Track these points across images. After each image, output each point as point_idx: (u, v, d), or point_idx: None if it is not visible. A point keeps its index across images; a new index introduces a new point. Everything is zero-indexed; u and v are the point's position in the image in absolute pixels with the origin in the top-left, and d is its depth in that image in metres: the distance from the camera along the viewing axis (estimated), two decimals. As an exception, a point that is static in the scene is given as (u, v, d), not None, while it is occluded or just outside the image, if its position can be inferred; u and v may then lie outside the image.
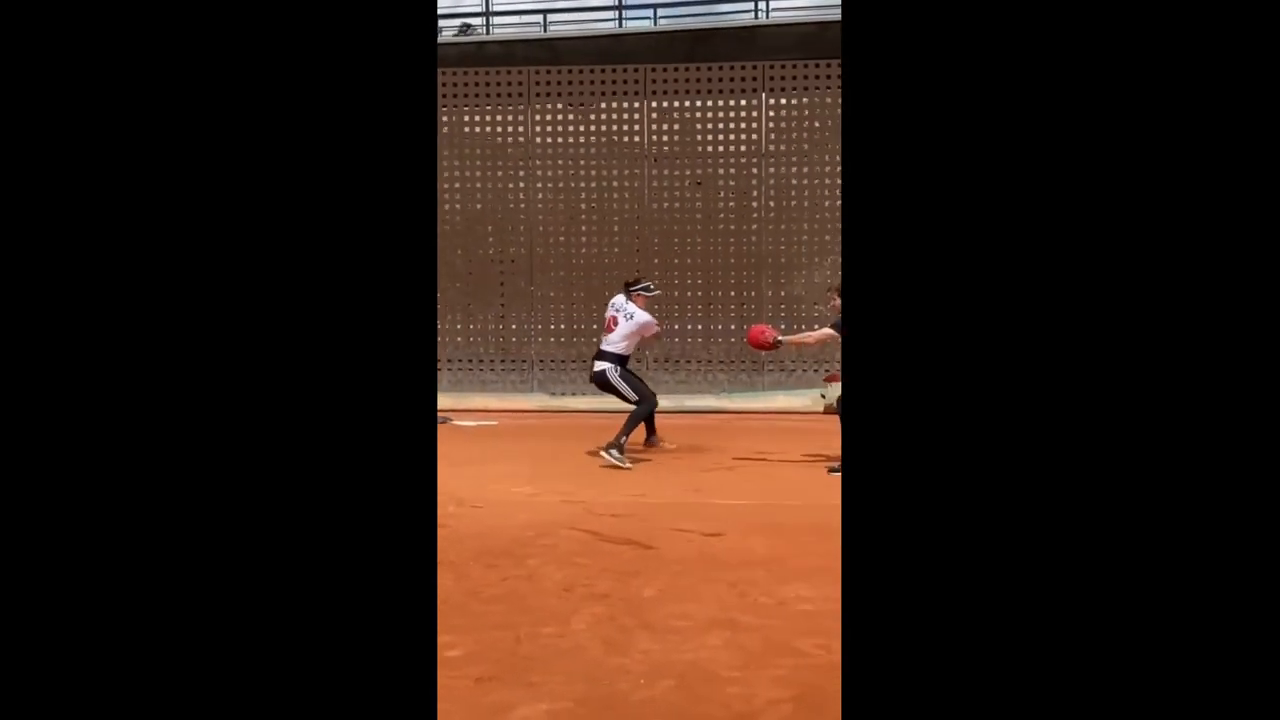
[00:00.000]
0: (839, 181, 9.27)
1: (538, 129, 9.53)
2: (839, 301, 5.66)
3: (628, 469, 5.82)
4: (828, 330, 6.05)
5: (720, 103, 9.35)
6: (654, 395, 6.51)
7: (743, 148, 9.36)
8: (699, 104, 9.39)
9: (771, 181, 9.37)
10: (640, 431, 6.38)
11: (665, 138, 9.49)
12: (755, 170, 9.39)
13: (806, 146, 9.32)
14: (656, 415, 6.61)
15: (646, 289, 6.67)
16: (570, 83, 9.40)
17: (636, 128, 9.48)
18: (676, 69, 9.31)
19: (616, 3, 10.98)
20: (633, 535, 4.11)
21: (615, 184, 9.53)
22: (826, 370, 8.94)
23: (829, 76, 9.13)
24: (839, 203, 9.26)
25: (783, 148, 9.36)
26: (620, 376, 6.33)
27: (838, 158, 9.27)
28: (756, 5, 10.55)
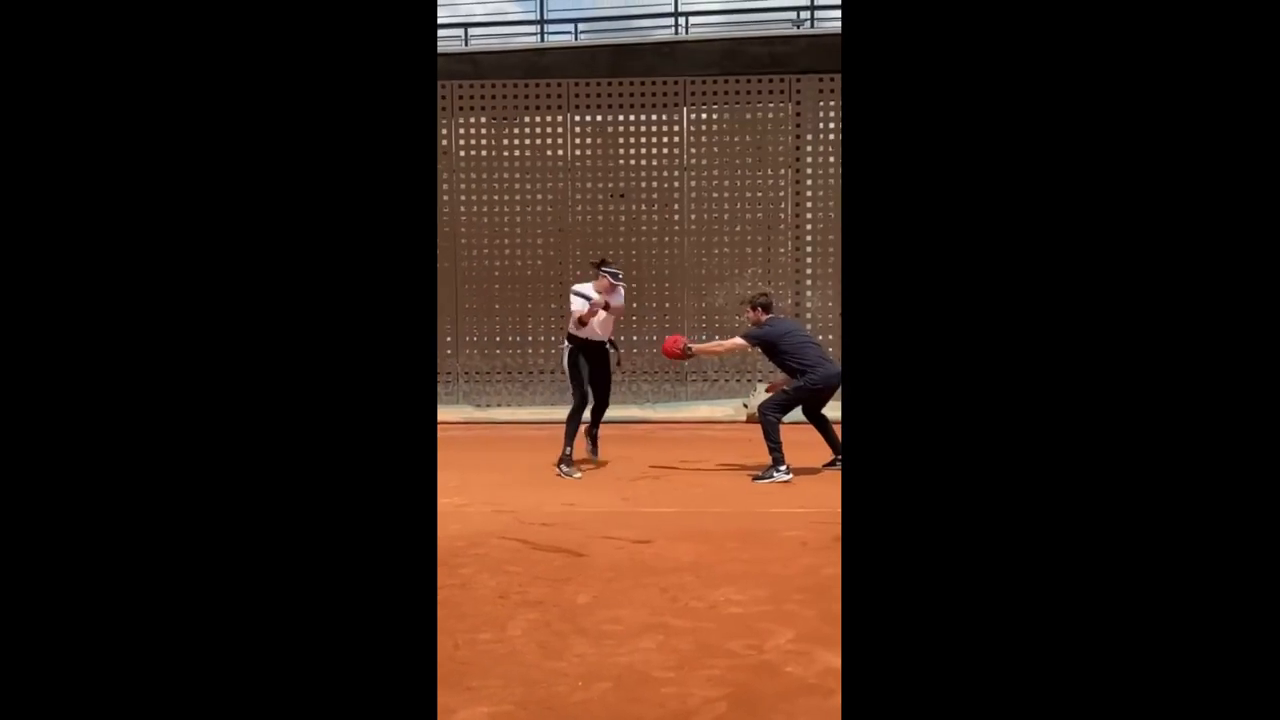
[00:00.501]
0: (759, 194, 9.52)
1: (460, 142, 9.53)
2: (753, 314, 5.89)
3: (577, 478, 5.85)
4: (737, 340, 6.13)
5: (642, 116, 9.50)
6: (585, 394, 6.15)
7: (664, 160, 9.52)
8: (620, 118, 9.53)
9: (693, 194, 9.54)
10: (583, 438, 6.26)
11: (588, 151, 9.59)
12: (677, 183, 9.55)
13: (726, 160, 9.53)
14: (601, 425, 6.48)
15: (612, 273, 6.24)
16: (492, 96, 9.44)
17: (560, 141, 9.57)
18: (598, 83, 9.44)
19: (538, 17, 11.03)
20: (563, 543, 4.16)
21: (538, 196, 9.59)
22: (748, 379, 9.13)
23: (748, 91, 9.35)
24: (760, 214, 9.49)
25: (703, 161, 9.55)
26: (566, 361, 6.24)
27: (758, 171, 9.51)
28: (676, 21, 10.73)
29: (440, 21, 11.27)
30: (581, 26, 11.00)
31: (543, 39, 10.96)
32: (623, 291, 6.29)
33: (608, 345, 6.23)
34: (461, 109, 9.45)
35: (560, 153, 9.57)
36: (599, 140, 9.57)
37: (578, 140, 9.56)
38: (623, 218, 9.56)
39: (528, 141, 9.54)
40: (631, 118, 9.51)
